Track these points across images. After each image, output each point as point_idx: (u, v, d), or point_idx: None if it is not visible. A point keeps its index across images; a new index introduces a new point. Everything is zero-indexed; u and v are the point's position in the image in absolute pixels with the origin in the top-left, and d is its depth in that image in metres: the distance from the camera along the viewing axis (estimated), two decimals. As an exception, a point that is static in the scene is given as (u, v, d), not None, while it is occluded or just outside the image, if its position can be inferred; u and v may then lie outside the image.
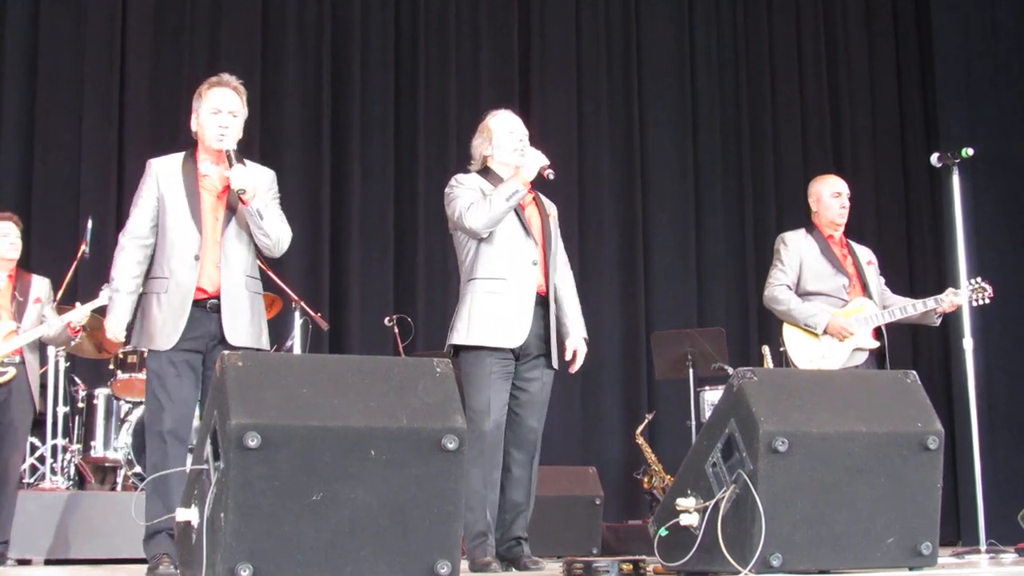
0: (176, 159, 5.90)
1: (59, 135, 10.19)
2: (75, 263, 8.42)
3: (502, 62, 11.66)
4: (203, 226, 5.76)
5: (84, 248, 8.26)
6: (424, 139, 11.23)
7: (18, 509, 7.55)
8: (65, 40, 10.32)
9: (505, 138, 6.32)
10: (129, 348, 8.70)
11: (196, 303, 5.72)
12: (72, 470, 8.81)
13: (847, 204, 7.51)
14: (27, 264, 8.68)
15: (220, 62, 10.56)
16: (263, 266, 8.27)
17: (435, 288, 10.87)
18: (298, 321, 8.96)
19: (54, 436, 8.65)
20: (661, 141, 12.12)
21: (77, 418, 9.01)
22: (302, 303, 8.98)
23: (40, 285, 7.67)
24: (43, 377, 8.70)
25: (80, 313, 7.50)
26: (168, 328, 5.68)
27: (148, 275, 5.84)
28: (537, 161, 6.12)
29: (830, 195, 7.50)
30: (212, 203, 5.83)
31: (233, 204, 5.82)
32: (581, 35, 12.00)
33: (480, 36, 11.62)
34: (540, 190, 6.49)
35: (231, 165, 5.74)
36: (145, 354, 8.32)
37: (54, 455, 8.63)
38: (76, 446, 8.87)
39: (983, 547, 6.81)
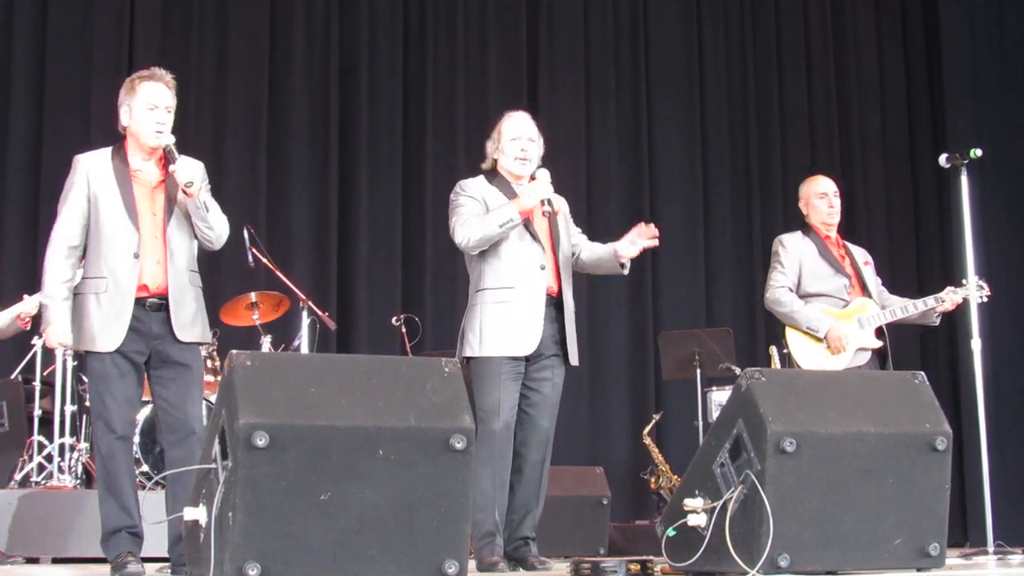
0: (104, 154, 5.79)
1: (67, 135, 10.18)
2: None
3: (510, 62, 11.65)
4: (140, 223, 5.66)
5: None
6: (432, 139, 11.22)
7: (26, 508, 7.55)
8: (73, 41, 10.32)
9: (508, 145, 6.32)
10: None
11: (136, 301, 5.62)
12: (79, 469, 8.80)
13: (836, 203, 7.48)
14: (35, 263, 8.69)
15: (228, 62, 10.59)
16: (271, 265, 8.31)
17: (443, 288, 10.86)
18: (305, 321, 8.95)
19: (61, 435, 8.64)
20: (669, 141, 12.11)
21: (84, 417, 9.01)
22: (310, 303, 8.97)
23: None
24: (50, 376, 8.72)
25: (29, 304, 7.47)
26: (110, 329, 5.58)
27: (84, 275, 5.73)
28: (539, 193, 6.09)
29: (816, 196, 7.49)
30: (147, 197, 5.73)
31: (172, 196, 5.72)
32: (589, 35, 12.00)
33: (488, 36, 11.61)
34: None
35: (174, 159, 5.61)
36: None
37: (61, 454, 8.63)
38: (83, 445, 8.87)
39: (991, 548, 6.81)
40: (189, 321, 5.71)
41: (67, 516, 7.81)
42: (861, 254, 7.56)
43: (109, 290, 5.61)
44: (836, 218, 7.49)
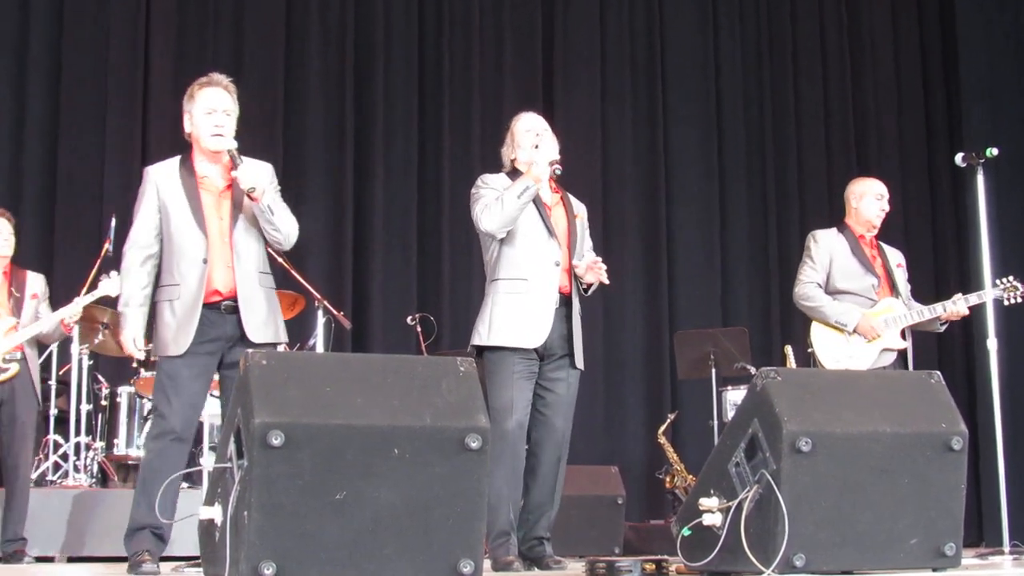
0: (172, 164, 5.86)
1: (83, 134, 10.22)
2: (98, 261, 8.43)
3: (526, 62, 11.65)
4: (207, 228, 5.73)
5: (108, 246, 8.26)
6: (448, 138, 11.23)
7: (40, 506, 7.58)
8: (89, 40, 10.35)
9: (523, 137, 6.35)
10: (151, 347, 8.72)
11: (209, 305, 5.69)
12: (95, 467, 8.84)
13: (887, 208, 7.49)
14: (51, 262, 8.73)
15: (244, 62, 10.61)
16: (286, 265, 8.32)
17: (459, 287, 10.86)
18: (321, 320, 8.96)
19: (77, 434, 8.67)
20: (685, 141, 12.11)
21: (100, 416, 9.04)
22: (325, 302, 8.97)
23: (35, 281, 7.66)
24: (66, 375, 8.75)
25: (72, 309, 7.50)
26: (180, 334, 5.65)
27: (159, 283, 5.81)
28: (546, 156, 6.12)
29: (874, 196, 7.46)
30: (214, 203, 5.79)
31: (238, 201, 5.79)
32: (605, 35, 11.99)
33: (504, 36, 11.61)
34: (568, 190, 6.49)
35: (236, 164, 5.70)
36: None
37: (77, 452, 8.66)
38: (99, 444, 8.90)
39: (1006, 548, 6.80)
40: (262, 322, 5.78)
41: (82, 515, 7.84)
42: (895, 256, 7.54)
43: (182, 296, 5.69)
44: (882, 220, 7.48)
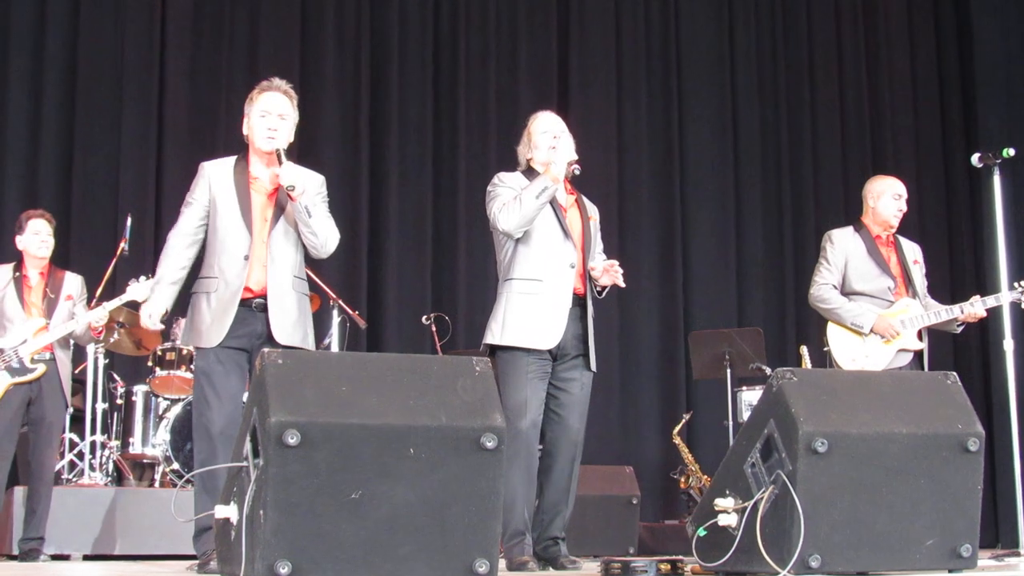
0: (228, 162, 5.97)
1: (98, 133, 10.24)
2: (114, 260, 8.46)
3: (541, 61, 11.66)
4: (252, 227, 5.82)
5: (123, 245, 8.30)
6: (463, 138, 11.23)
7: (57, 505, 7.61)
8: (104, 40, 10.38)
9: (540, 138, 6.33)
10: (167, 345, 8.75)
11: (242, 302, 5.77)
12: (111, 466, 8.86)
13: (904, 208, 7.47)
14: (67, 262, 8.74)
15: (259, 62, 10.62)
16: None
17: (475, 286, 10.87)
18: (336, 319, 8.98)
19: (93, 432, 8.70)
20: (700, 140, 12.10)
21: (116, 415, 9.06)
22: (340, 301, 8.99)
23: (72, 282, 7.72)
24: (82, 373, 8.76)
25: (99, 313, 7.52)
26: (214, 327, 5.74)
27: (199, 275, 5.91)
28: (564, 157, 6.13)
29: (892, 195, 7.43)
30: (262, 204, 5.89)
31: (283, 204, 5.88)
32: (620, 34, 11.99)
33: (519, 35, 11.61)
34: (583, 192, 6.49)
35: (280, 163, 5.79)
36: (184, 352, 8.34)
37: (93, 451, 8.68)
38: (115, 442, 8.92)
39: (1022, 549, 6.78)
40: (291, 324, 5.86)
41: (98, 513, 7.87)
42: (912, 251, 7.51)
43: (219, 289, 5.79)
44: (899, 220, 7.46)
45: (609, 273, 6.18)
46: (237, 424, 5.75)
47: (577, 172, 6.15)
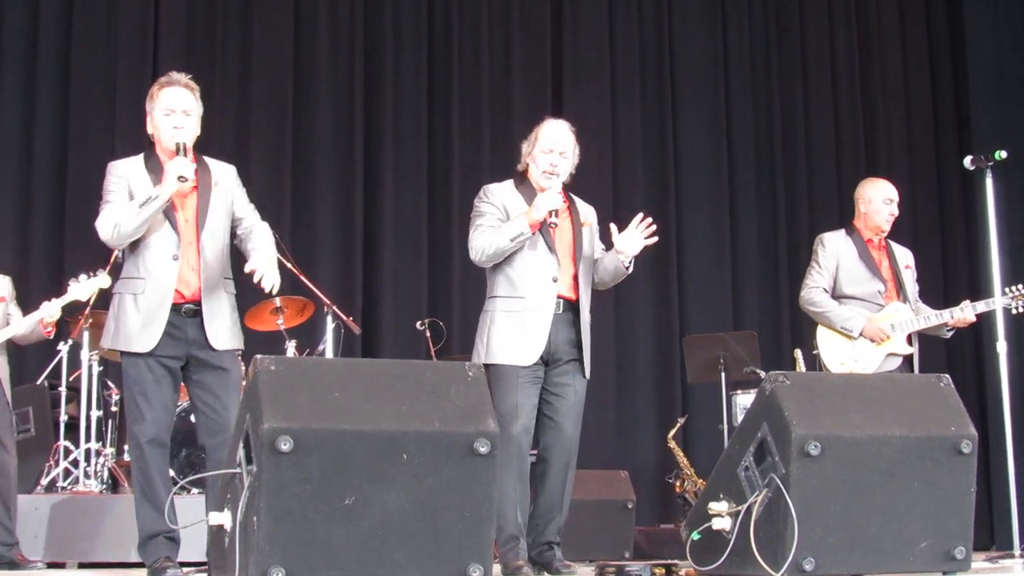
0: (137, 160, 5.83)
1: (92, 139, 10.22)
2: (108, 267, 8.44)
3: (535, 64, 11.65)
4: (178, 226, 5.70)
5: (117, 252, 8.27)
6: (457, 142, 11.22)
7: (52, 513, 7.58)
8: (97, 46, 10.36)
9: (540, 156, 6.27)
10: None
11: (173, 307, 5.66)
12: (105, 474, 8.83)
13: (896, 212, 7.46)
14: (60, 266, 8.72)
15: (253, 67, 10.63)
16: (295, 270, 8.33)
17: (469, 292, 10.84)
18: (330, 325, 8.96)
19: (87, 440, 8.67)
20: (694, 143, 12.09)
21: (110, 422, 9.04)
22: (334, 307, 8.97)
23: (1, 284, 7.53)
24: (76, 381, 8.75)
25: (51, 309, 7.39)
26: (147, 331, 5.63)
27: (120, 275, 5.80)
28: (547, 204, 6.04)
29: (882, 200, 7.42)
30: (180, 205, 5.76)
31: (204, 204, 5.77)
32: (614, 37, 11.98)
33: (512, 39, 11.60)
34: (578, 194, 6.47)
35: (181, 155, 5.63)
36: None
37: (87, 459, 8.65)
38: (109, 450, 8.90)
39: (1017, 551, 6.80)
40: (227, 329, 5.78)
41: (93, 521, 7.84)
42: (904, 256, 7.51)
43: (147, 291, 5.66)
44: (891, 224, 7.45)
45: (631, 235, 6.20)
46: (169, 431, 5.74)
47: (555, 224, 6.06)
